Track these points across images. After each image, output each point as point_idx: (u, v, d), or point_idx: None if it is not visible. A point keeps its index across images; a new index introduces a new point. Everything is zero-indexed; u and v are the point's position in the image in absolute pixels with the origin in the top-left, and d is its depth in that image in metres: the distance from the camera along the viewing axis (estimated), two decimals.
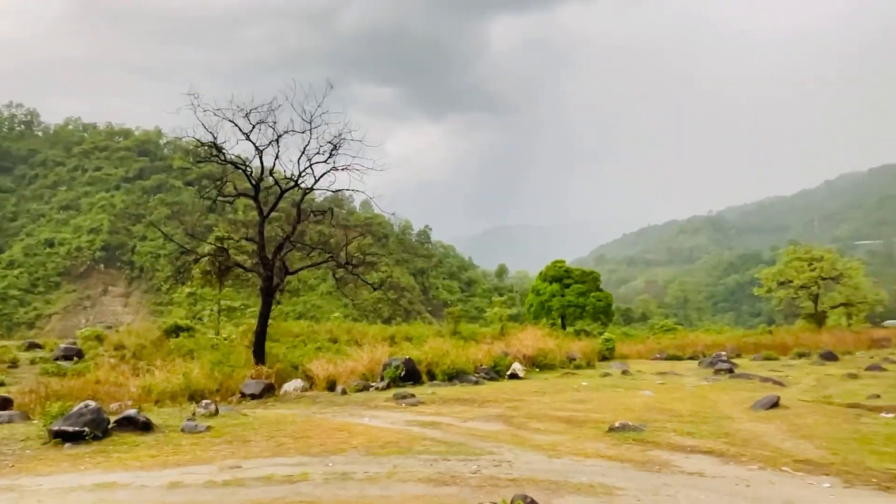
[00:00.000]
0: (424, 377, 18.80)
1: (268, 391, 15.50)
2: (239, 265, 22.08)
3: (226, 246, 22.51)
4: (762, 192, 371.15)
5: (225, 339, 23.41)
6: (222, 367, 17.72)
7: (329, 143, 19.23)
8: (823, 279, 55.42)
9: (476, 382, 18.27)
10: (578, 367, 23.74)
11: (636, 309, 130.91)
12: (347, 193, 22.74)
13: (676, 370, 22.74)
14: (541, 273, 62.53)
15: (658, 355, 31.97)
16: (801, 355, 29.26)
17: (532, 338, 25.58)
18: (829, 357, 25.59)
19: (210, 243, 23.44)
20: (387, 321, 53.82)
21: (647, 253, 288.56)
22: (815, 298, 55.34)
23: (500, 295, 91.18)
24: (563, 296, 58.10)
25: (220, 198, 20.83)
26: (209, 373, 16.40)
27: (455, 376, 18.73)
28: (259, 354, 19.24)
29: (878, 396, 14.59)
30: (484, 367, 20.29)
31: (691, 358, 29.55)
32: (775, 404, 11.99)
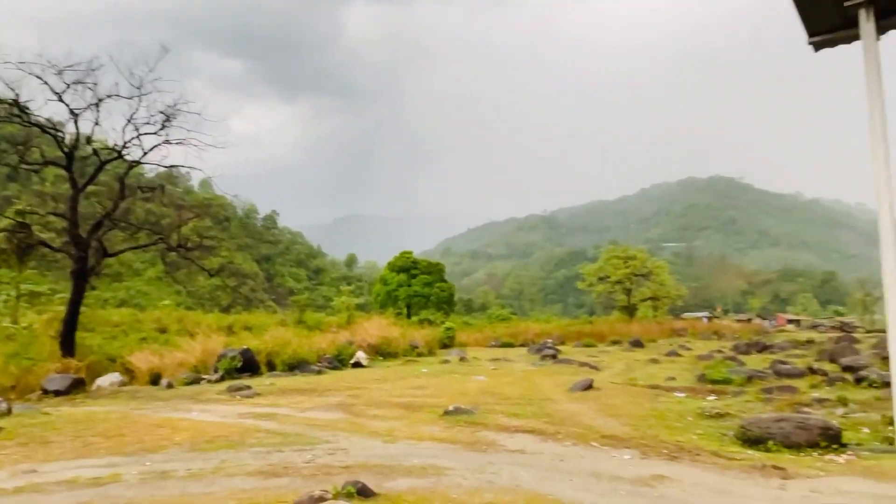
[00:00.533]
0: (263, 368, 18.08)
1: (76, 387, 13.83)
2: (44, 244, 19.29)
3: (28, 221, 19.51)
4: (589, 196, 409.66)
5: (25, 329, 20.33)
6: (19, 359, 15.43)
7: (161, 113, 17.56)
8: (636, 276, 62.88)
9: (318, 372, 17.96)
10: (420, 354, 24.40)
11: (477, 299, 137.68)
12: (184, 170, 20.88)
13: (509, 356, 24.35)
14: (389, 263, 63.11)
15: (493, 343, 33.99)
16: (614, 342, 32.94)
17: (377, 327, 25.74)
18: (637, 344, 29.12)
19: (9, 217, 20.18)
20: (225, 310, 50.49)
21: (489, 247, 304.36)
22: (629, 292, 62.58)
23: (349, 284, 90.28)
24: (409, 286, 59.24)
25: (22, 165, 18.04)
26: (2, 367, 14.20)
27: (297, 366, 18.26)
28: (68, 346, 17.05)
29: (674, 378, 16.94)
30: (327, 356, 20.01)
31: (522, 345, 31.89)
32: (589, 386, 13.37)
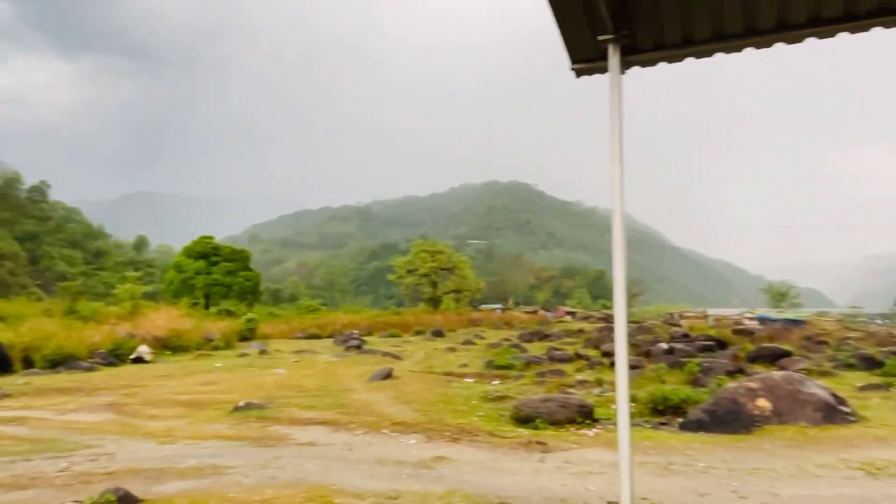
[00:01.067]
0: (18, 365, 15.48)
1: None
2: None
3: None
4: (404, 191, 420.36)
5: None
6: None
7: None
8: (442, 269, 66.31)
9: (89, 369, 15.84)
10: (217, 348, 22.84)
11: (286, 290, 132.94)
12: None
13: (314, 348, 23.97)
14: (186, 248, 57.86)
15: (299, 334, 33.16)
16: (418, 333, 34.28)
17: (166, 318, 23.51)
18: (438, 334, 30.66)
19: None
20: None
21: (301, 236, 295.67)
22: (434, 285, 65.72)
23: (137, 270, 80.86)
24: (209, 274, 54.89)
25: None
26: None
27: (62, 363, 15.90)
28: None
29: (466, 365, 18.16)
30: (102, 351, 17.72)
31: (330, 336, 31.61)
32: (388, 375, 13.74)
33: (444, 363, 18.91)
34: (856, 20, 3.52)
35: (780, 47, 3.80)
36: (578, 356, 17.85)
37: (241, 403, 9.58)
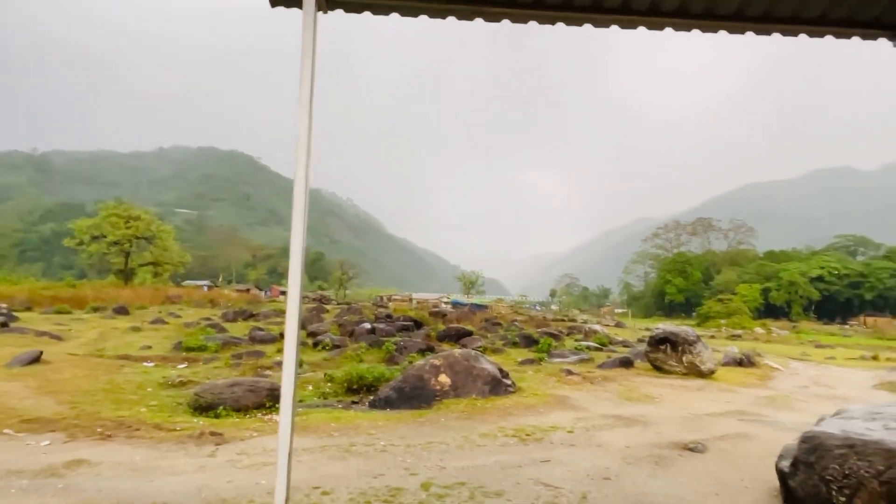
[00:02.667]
0: None
1: None
2: None
3: None
4: (97, 142, 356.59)
5: None
6: None
7: None
8: (138, 238, 58.00)
9: None
10: None
11: None
12: None
13: None
14: None
15: None
16: (96, 309, 29.09)
17: None
18: (121, 311, 26.48)
19: None
20: None
21: None
22: (127, 255, 57.14)
23: None
24: None
25: None
26: None
27: None
28: None
29: (150, 347, 15.87)
30: None
31: None
32: (36, 360, 11.03)
33: (121, 345, 16.22)
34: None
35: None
36: (283, 336, 17.16)
37: None
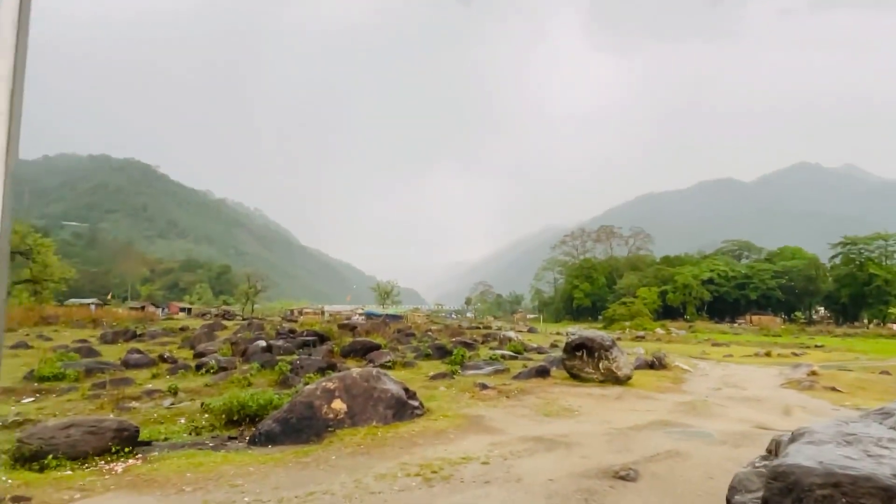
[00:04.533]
0: None
1: None
2: None
3: None
4: None
5: None
6: None
7: None
8: (12, 253, 51.79)
9: None
10: None
11: None
12: None
13: None
14: None
15: None
16: None
17: None
18: None
19: None
20: None
21: None
22: None
23: None
24: None
25: None
26: None
27: None
28: None
29: None
30: None
31: None
32: None
33: None
34: None
35: None
36: (163, 359, 15.07)
37: None
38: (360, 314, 57.75)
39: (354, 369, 8.14)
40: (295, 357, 13.38)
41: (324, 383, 7.72)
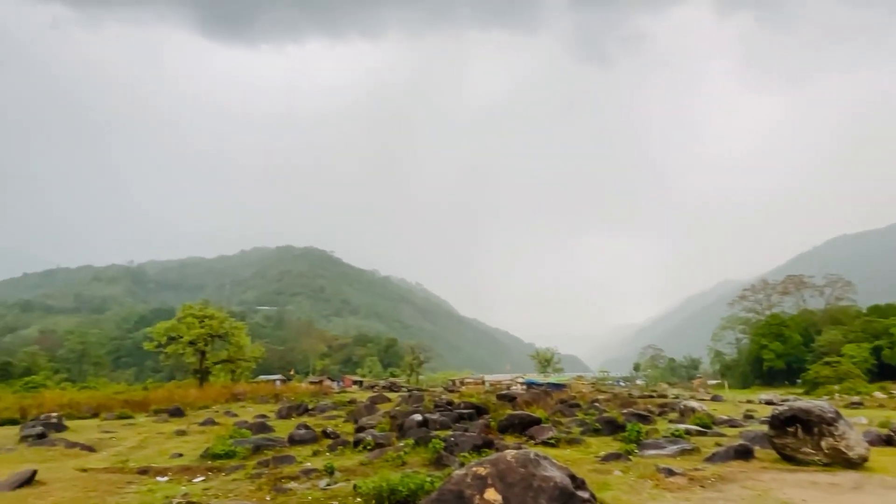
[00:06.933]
0: None
1: None
2: None
3: None
4: (185, 251, 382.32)
5: None
6: None
7: None
8: (212, 336, 58.80)
9: None
10: None
11: (20, 363, 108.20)
12: None
13: None
14: None
15: None
16: (157, 412, 28.33)
17: None
18: (176, 413, 25.46)
19: None
20: None
21: (49, 298, 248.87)
22: (202, 354, 57.79)
23: None
24: None
25: None
26: None
27: None
28: None
29: (181, 455, 14.24)
30: None
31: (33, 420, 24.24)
32: (28, 481, 9.53)
33: (153, 454, 14.71)
34: None
35: None
36: (325, 434, 15.13)
37: None
38: (520, 383, 55.91)
39: (509, 451, 7.02)
40: (450, 433, 12.52)
41: (474, 468, 6.70)
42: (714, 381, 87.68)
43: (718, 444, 11.97)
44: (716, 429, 16.09)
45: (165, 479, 10.96)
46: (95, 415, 27.84)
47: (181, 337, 57.09)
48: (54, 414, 22.97)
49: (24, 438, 16.55)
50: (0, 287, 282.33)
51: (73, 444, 15.23)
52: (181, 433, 19.18)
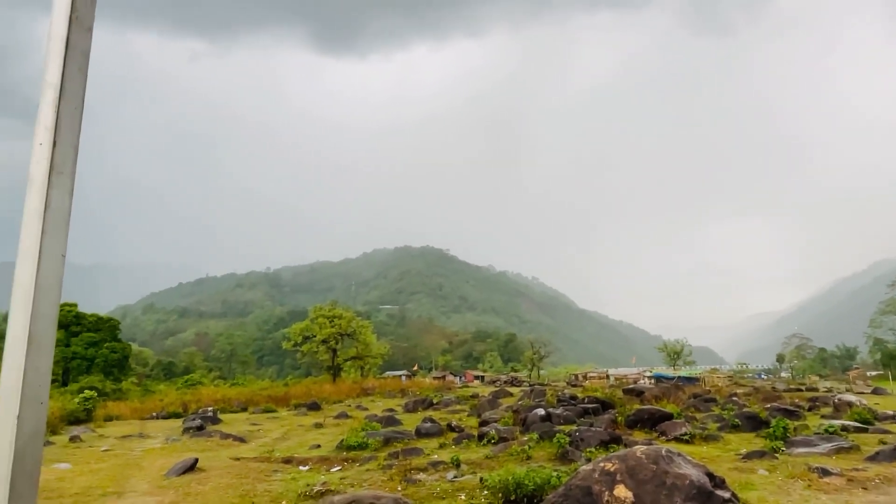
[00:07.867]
0: None
1: None
2: None
3: None
4: (314, 256, 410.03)
5: None
6: None
7: None
8: (341, 335, 62.45)
9: None
10: None
11: (180, 362, 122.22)
12: None
13: (150, 431, 20.00)
14: None
15: (155, 414, 28.51)
16: (297, 406, 30.58)
17: None
18: (313, 407, 27.27)
19: None
20: None
21: (201, 304, 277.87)
22: (334, 352, 61.58)
23: None
24: (67, 346, 48.25)
25: None
26: None
27: None
28: None
29: (319, 446, 15.27)
30: None
31: (193, 414, 27.30)
32: (191, 468, 10.71)
33: (294, 445, 15.91)
34: None
35: None
36: (450, 428, 15.48)
37: None
38: (648, 377, 53.40)
39: (639, 447, 6.73)
40: (574, 427, 12.27)
41: (602, 464, 6.51)
42: (874, 373, 77.88)
43: (883, 443, 10.64)
44: (878, 425, 14.30)
45: (306, 468, 11.80)
46: (244, 409, 30.60)
47: (314, 336, 61.22)
48: (210, 408, 25.60)
49: (186, 430, 18.63)
50: (160, 296, 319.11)
51: (227, 436, 16.88)
52: (318, 426, 20.55)
